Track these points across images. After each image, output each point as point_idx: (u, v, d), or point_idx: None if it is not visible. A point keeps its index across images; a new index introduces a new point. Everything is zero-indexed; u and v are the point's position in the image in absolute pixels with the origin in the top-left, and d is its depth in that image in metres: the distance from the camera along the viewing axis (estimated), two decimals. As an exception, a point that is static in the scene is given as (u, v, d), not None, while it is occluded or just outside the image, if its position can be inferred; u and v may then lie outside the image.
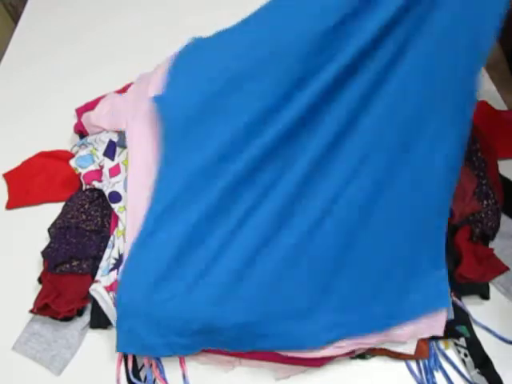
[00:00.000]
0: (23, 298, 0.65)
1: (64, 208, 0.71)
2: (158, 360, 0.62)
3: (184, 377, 0.61)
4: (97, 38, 1.04)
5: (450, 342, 0.60)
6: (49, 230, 0.69)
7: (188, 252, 0.58)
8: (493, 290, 0.63)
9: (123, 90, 0.84)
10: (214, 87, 0.64)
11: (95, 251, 0.67)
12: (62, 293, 0.63)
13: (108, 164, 0.72)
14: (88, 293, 0.63)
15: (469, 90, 0.55)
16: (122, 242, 0.66)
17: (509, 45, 0.90)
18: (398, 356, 0.59)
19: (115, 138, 0.75)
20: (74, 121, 0.84)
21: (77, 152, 0.76)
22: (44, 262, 0.67)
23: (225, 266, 0.58)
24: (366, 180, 0.57)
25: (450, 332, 0.59)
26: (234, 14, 1.04)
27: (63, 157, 0.78)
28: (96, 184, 0.71)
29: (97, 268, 0.65)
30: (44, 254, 0.67)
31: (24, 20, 1.11)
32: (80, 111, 0.86)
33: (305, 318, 0.57)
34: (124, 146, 0.72)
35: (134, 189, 0.67)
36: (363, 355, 0.59)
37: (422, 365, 0.59)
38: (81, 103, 0.87)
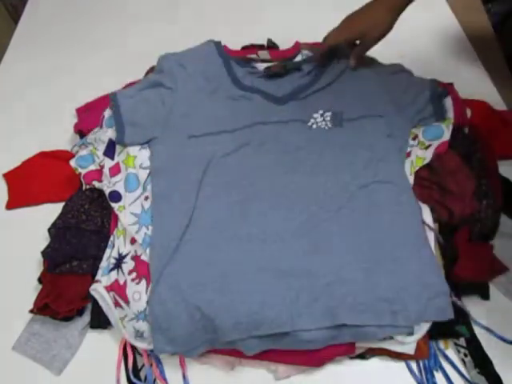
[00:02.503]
0: (23, 298, 0.65)
1: (64, 208, 0.71)
2: (158, 360, 0.62)
3: (184, 377, 0.61)
4: (97, 38, 1.04)
5: (450, 342, 0.60)
6: (49, 230, 0.69)
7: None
8: (493, 290, 0.63)
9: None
10: None
11: (95, 251, 0.67)
12: (62, 293, 0.63)
13: (108, 163, 0.71)
14: (88, 293, 0.63)
15: None
16: (122, 242, 0.66)
17: (509, 46, 0.90)
18: (398, 356, 0.59)
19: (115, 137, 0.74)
20: (74, 121, 0.84)
21: (77, 152, 0.76)
22: (44, 262, 0.67)
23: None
24: None
25: (450, 332, 0.59)
26: (231, 18, 1.05)
27: (63, 157, 0.78)
28: (96, 184, 0.71)
29: (97, 268, 0.65)
30: (44, 254, 0.67)
31: (24, 20, 1.11)
32: (80, 111, 0.86)
33: None
34: (123, 145, 0.72)
35: None
36: (363, 355, 0.60)
37: (422, 365, 0.59)
38: (81, 103, 0.87)
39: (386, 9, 0.66)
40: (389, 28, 0.68)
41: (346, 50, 0.74)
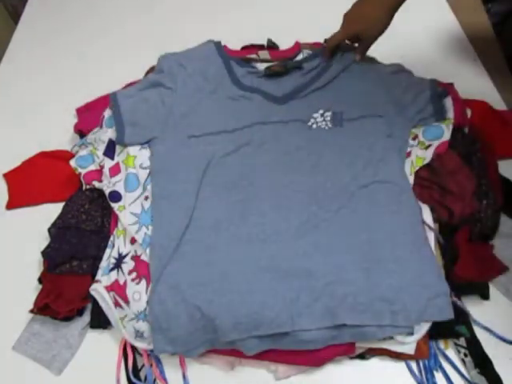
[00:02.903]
0: (23, 298, 0.65)
1: (64, 208, 0.71)
2: (158, 360, 0.62)
3: (184, 377, 0.61)
4: (96, 38, 1.04)
5: (450, 342, 0.60)
6: (49, 230, 0.69)
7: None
8: (493, 290, 0.63)
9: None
10: None
11: (95, 251, 0.67)
12: (62, 293, 0.63)
13: (108, 163, 0.71)
14: (88, 293, 0.63)
15: None
16: (122, 242, 0.66)
17: (509, 46, 0.90)
18: (398, 356, 0.59)
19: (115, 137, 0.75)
20: (74, 121, 0.84)
21: (77, 152, 0.76)
22: (44, 262, 0.67)
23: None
24: None
25: (450, 332, 0.59)
26: (231, 18, 1.05)
27: (63, 157, 0.78)
28: (96, 184, 0.71)
29: (97, 268, 0.65)
30: (44, 254, 0.67)
31: (24, 20, 1.11)
32: (80, 111, 0.86)
33: None
34: (123, 145, 0.72)
35: None
36: (363, 355, 0.60)
37: (422, 365, 0.59)
38: (81, 103, 0.87)
39: (382, 7, 0.67)
40: (386, 26, 0.69)
41: (347, 47, 0.75)
